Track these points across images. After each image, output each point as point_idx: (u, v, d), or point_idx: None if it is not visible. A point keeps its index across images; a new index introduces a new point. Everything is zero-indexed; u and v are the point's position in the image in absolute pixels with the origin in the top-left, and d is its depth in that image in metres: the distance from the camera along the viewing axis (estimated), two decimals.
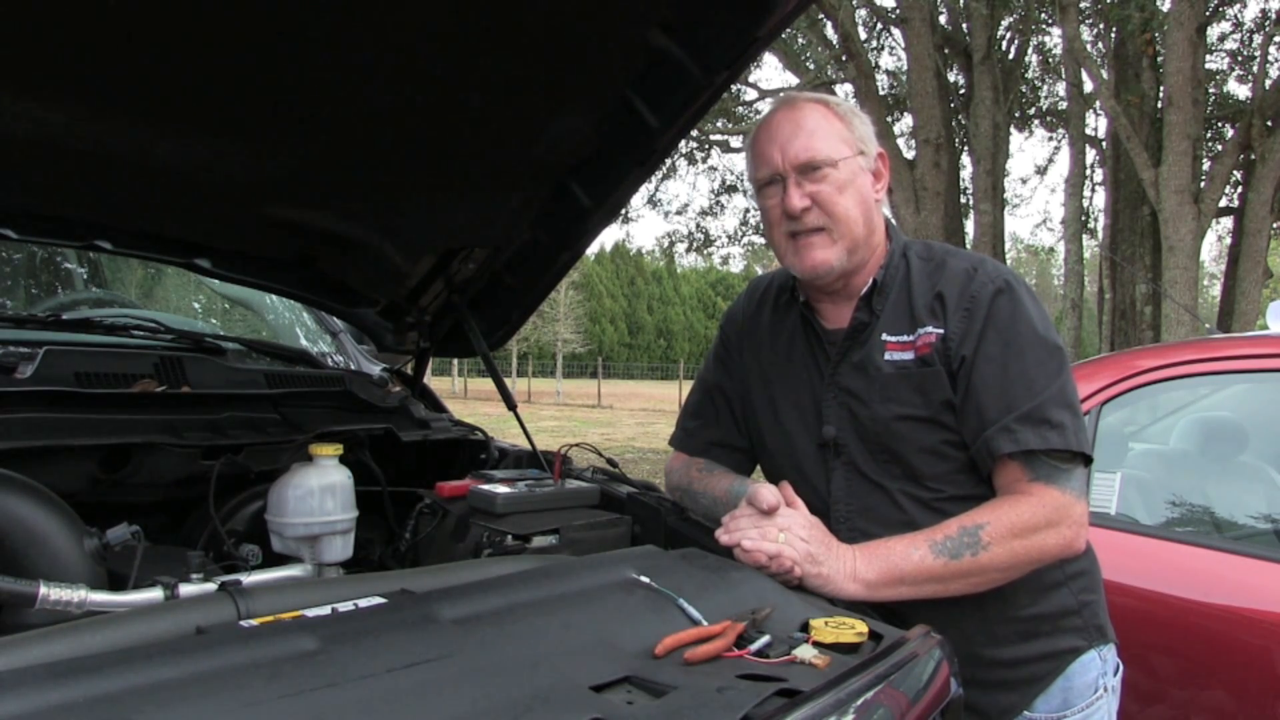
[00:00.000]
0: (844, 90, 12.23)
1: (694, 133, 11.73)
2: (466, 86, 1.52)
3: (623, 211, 3.51)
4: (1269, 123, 9.11)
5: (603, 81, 1.62)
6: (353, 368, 2.40)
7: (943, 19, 11.86)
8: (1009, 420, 1.40)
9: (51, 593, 1.18)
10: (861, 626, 1.19)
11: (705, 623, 1.15)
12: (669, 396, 29.38)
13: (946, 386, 1.45)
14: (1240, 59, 11.53)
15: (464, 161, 1.73)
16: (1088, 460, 1.44)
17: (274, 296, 2.59)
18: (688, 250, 16.97)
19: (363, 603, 1.13)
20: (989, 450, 1.41)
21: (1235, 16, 11.37)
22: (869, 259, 1.54)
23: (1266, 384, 2.69)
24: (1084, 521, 1.43)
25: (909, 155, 11.16)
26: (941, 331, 1.45)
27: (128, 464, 1.59)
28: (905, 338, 1.48)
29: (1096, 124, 12.59)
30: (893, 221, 1.65)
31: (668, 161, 12.28)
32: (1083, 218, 12.09)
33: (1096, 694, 1.52)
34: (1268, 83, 9.63)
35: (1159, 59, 9.46)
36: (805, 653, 1.09)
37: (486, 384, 26.37)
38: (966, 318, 1.45)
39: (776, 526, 1.39)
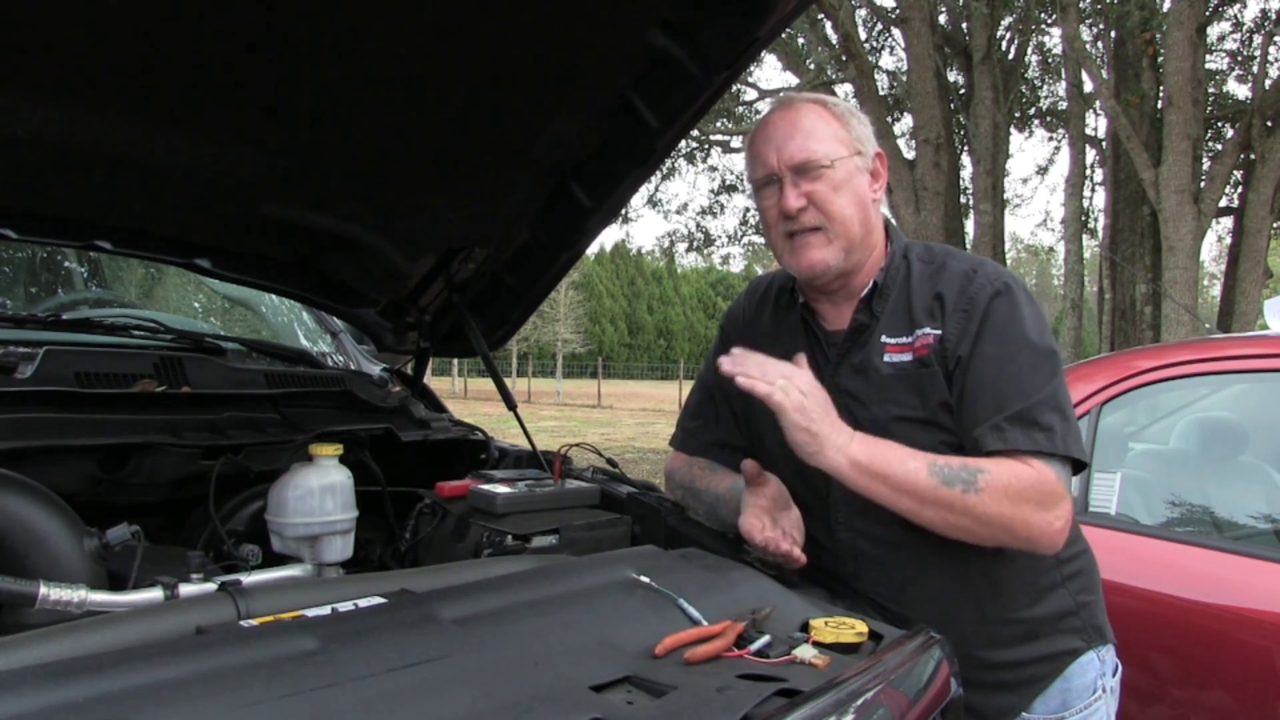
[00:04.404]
0: (844, 90, 12.23)
1: (694, 133, 11.73)
2: (466, 86, 1.52)
3: (623, 211, 3.52)
4: (1269, 123, 9.11)
5: (603, 81, 1.62)
6: (353, 368, 2.40)
7: (943, 19, 11.86)
8: (999, 419, 1.40)
9: (51, 593, 1.18)
10: (861, 626, 1.19)
11: (705, 623, 1.15)
12: (669, 396, 29.37)
13: (943, 387, 1.45)
14: (1240, 59, 11.54)
15: (464, 162, 1.73)
16: (1078, 467, 1.44)
17: (274, 296, 2.59)
18: (688, 250, 16.98)
19: (363, 603, 1.13)
20: (977, 448, 1.41)
21: (1235, 16, 11.38)
22: (867, 259, 1.54)
23: (1266, 384, 2.69)
24: (1068, 518, 1.41)
25: (909, 155, 11.15)
26: (939, 332, 1.45)
27: (128, 464, 1.59)
28: (904, 339, 1.48)
29: (1096, 124, 12.60)
30: (893, 223, 1.65)
31: (668, 161, 12.29)
32: (1083, 218, 12.09)
33: (1095, 695, 1.52)
34: (1268, 83, 9.63)
35: (1159, 59, 9.46)
36: (805, 653, 1.09)
37: (486, 384, 26.35)
38: (964, 319, 1.45)
39: (780, 373, 1.37)
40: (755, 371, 1.37)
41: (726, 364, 1.41)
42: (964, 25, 11.58)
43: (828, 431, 1.36)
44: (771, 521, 1.43)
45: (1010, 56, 12.43)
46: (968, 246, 10.93)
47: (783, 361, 1.41)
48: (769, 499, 1.46)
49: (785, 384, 1.36)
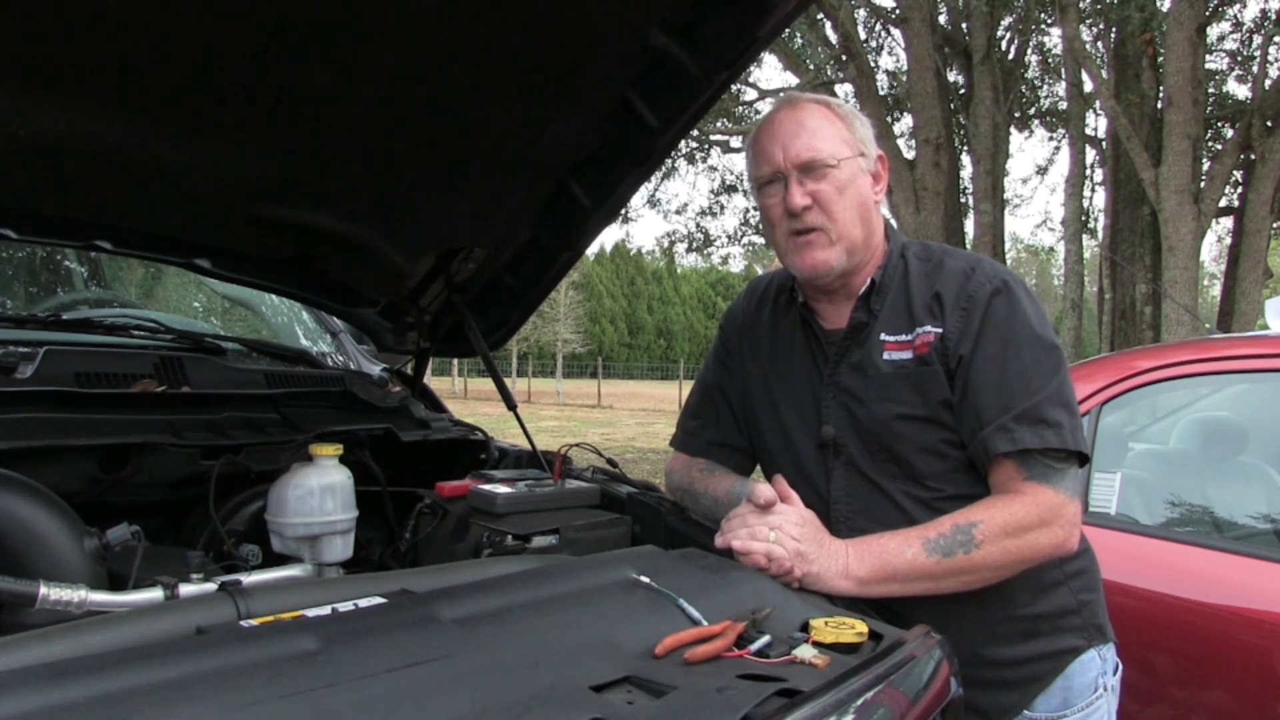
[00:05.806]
0: (844, 90, 12.24)
1: (694, 133, 11.73)
2: (466, 86, 1.52)
3: (623, 211, 3.51)
4: (1269, 123, 9.11)
5: (603, 81, 1.62)
6: (353, 368, 2.40)
7: (943, 19, 11.86)
8: (1006, 419, 1.40)
9: (51, 593, 1.18)
10: (861, 626, 1.19)
11: (705, 623, 1.14)
12: (669, 396, 29.37)
13: (944, 385, 1.45)
14: (1240, 59, 11.53)
15: (464, 161, 1.73)
16: (1084, 460, 1.44)
17: (274, 296, 2.59)
18: (688, 250, 16.98)
19: (363, 603, 1.13)
20: (986, 449, 1.41)
21: (1235, 16, 11.38)
22: (868, 260, 1.54)
23: (1266, 384, 2.69)
24: (1077, 521, 1.43)
25: (909, 155, 11.16)
26: (940, 330, 1.46)
27: (128, 464, 1.59)
28: (904, 337, 1.48)
29: (1096, 124, 12.60)
30: (892, 222, 1.65)
31: (668, 161, 12.29)
32: (1083, 218, 12.08)
33: (1096, 693, 1.52)
34: (1268, 83, 9.63)
35: (1159, 59, 9.46)
36: (805, 653, 1.09)
37: (486, 384, 26.36)
38: (964, 317, 1.45)
39: (767, 525, 1.39)
40: (744, 534, 1.39)
41: (718, 539, 1.44)
42: (964, 25, 11.58)
43: (827, 561, 1.38)
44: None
45: (1010, 56, 12.43)
46: (968, 246, 10.93)
47: (760, 512, 1.42)
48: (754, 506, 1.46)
49: (777, 535, 1.38)
